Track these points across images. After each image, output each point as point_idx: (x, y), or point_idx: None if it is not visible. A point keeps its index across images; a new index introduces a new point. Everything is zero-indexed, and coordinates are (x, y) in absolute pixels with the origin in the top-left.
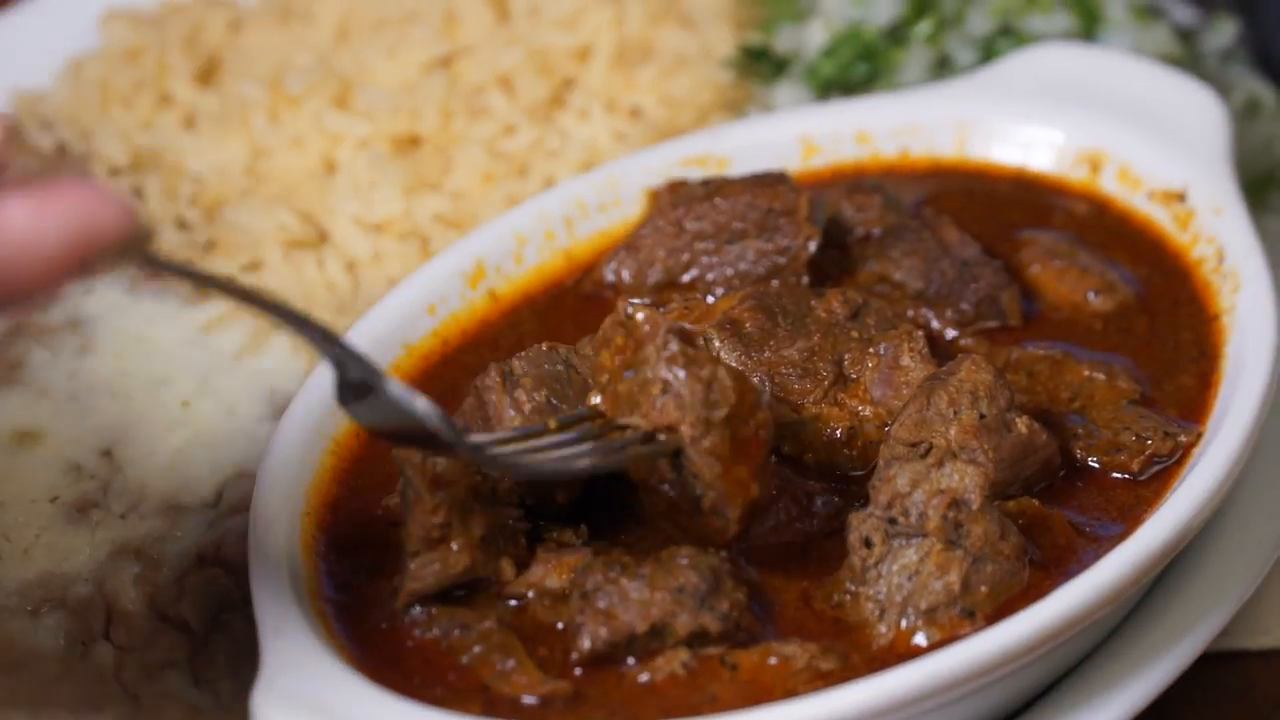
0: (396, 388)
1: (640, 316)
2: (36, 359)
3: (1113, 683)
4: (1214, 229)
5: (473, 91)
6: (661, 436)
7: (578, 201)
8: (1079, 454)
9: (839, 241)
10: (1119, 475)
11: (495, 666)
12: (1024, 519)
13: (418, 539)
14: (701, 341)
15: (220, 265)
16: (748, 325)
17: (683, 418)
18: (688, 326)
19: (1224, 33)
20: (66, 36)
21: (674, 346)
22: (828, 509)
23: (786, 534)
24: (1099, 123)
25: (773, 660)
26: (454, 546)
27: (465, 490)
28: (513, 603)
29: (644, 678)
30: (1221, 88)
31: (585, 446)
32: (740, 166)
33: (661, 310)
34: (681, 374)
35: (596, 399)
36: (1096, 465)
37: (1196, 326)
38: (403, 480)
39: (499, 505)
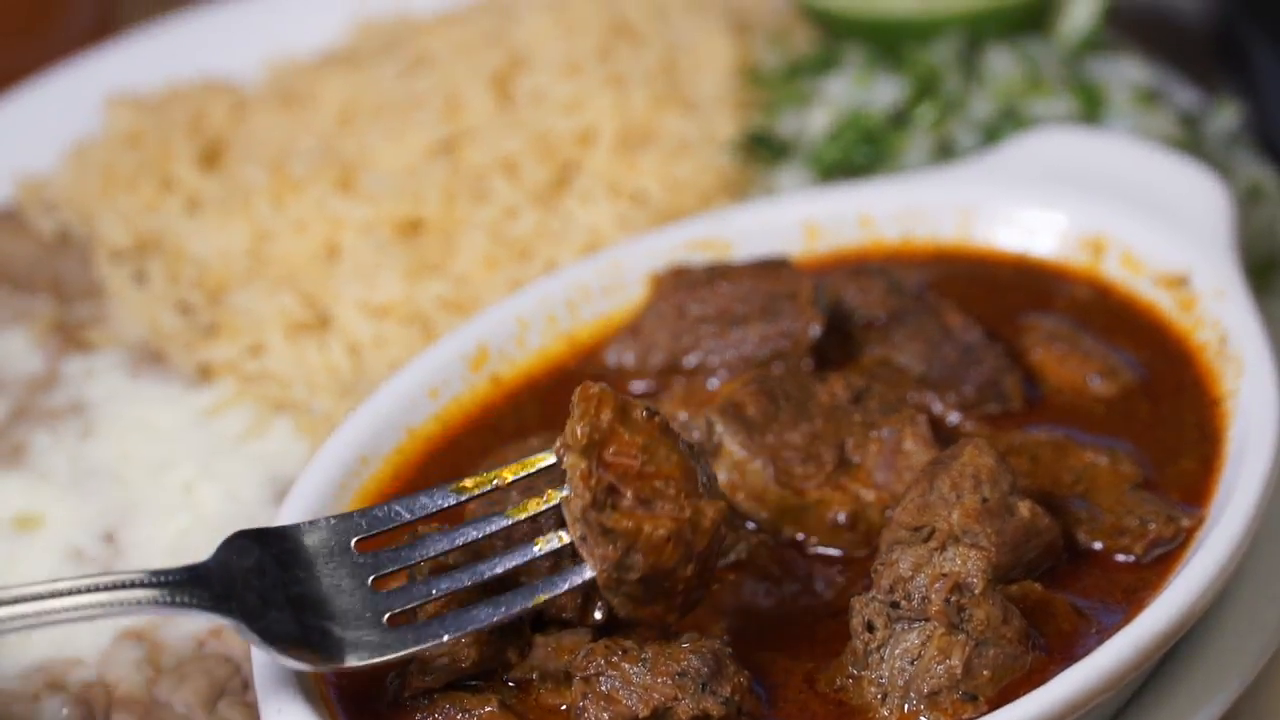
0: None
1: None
2: (39, 443)
3: None
4: (1217, 313)
5: (475, 175)
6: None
7: (580, 285)
8: (1082, 538)
9: (842, 326)
10: (1122, 559)
11: None
12: (1027, 603)
13: None
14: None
15: (222, 349)
16: (750, 409)
17: (596, 567)
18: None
19: (1227, 117)
20: (69, 120)
21: (590, 513)
22: (832, 588)
23: (791, 613)
24: (1101, 207)
25: None
26: (463, 642)
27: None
28: (514, 685)
29: None
30: (1224, 171)
31: (487, 605)
32: (743, 250)
33: (663, 394)
34: (590, 538)
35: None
36: (1099, 549)
37: (1199, 410)
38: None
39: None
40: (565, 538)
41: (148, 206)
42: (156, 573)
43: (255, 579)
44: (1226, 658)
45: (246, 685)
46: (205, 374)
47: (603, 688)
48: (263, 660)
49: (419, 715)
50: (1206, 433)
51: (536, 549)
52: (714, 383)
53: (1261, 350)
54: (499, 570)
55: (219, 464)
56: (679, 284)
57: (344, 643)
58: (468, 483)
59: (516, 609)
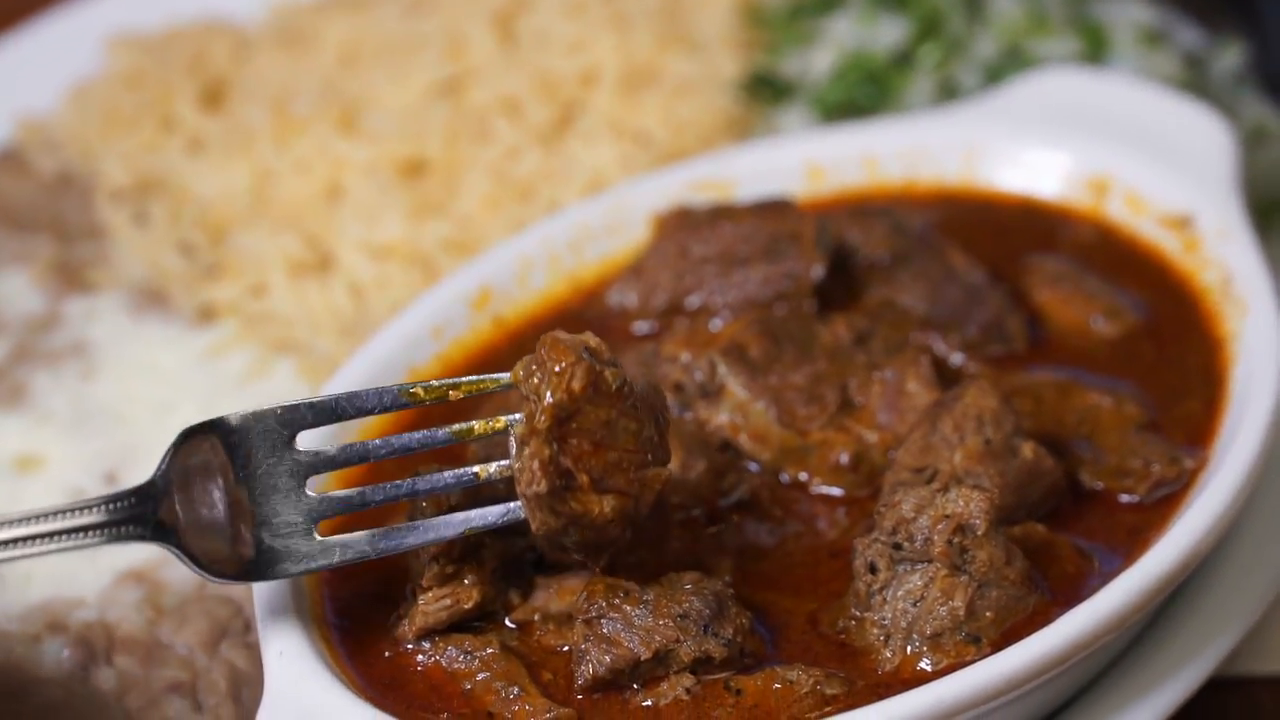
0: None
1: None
2: (40, 383)
3: (1119, 708)
4: (1221, 254)
5: (478, 116)
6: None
7: (583, 226)
8: (1085, 479)
9: (845, 266)
10: (1126, 500)
11: (499, 693)
12: (1029, 544)
13: (429, 574)
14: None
15: (224, 289)
16: (753, 350)
17: (532, 517)
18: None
19: (1231, 57)
20: (70, 60)
21: (543, 496)
22: (834, 529)
23: (793, 555)
24: (1105, 148)
25: (777, 685)
26: (466, 582)
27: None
28: (515, 627)
29: (648, 703)
30: (1229, 112)
31: (417, 529)
32: (746, 191)
33: (665, 335)
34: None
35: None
36: (1103, 490)
37: (1203, 352)
38: (414, 509)
39: (511, 535)
40: (509, 472)
41: (149, 147)
42: (109, 499)
43: (199, 480)
44: (1230, 598)
45: (248, 626)
46: (207, 314)
47: (604, 630)
48: (264, 601)
49: (420, 656)
50: (1210, 374)
51: (478, 475)
52: (717, 323)
53: (1265, 291)
54: (437, 488)
55: (221, 405)
56: (682, 224)
57: (274, 553)
58: (419, 390)
59: (447, 535)
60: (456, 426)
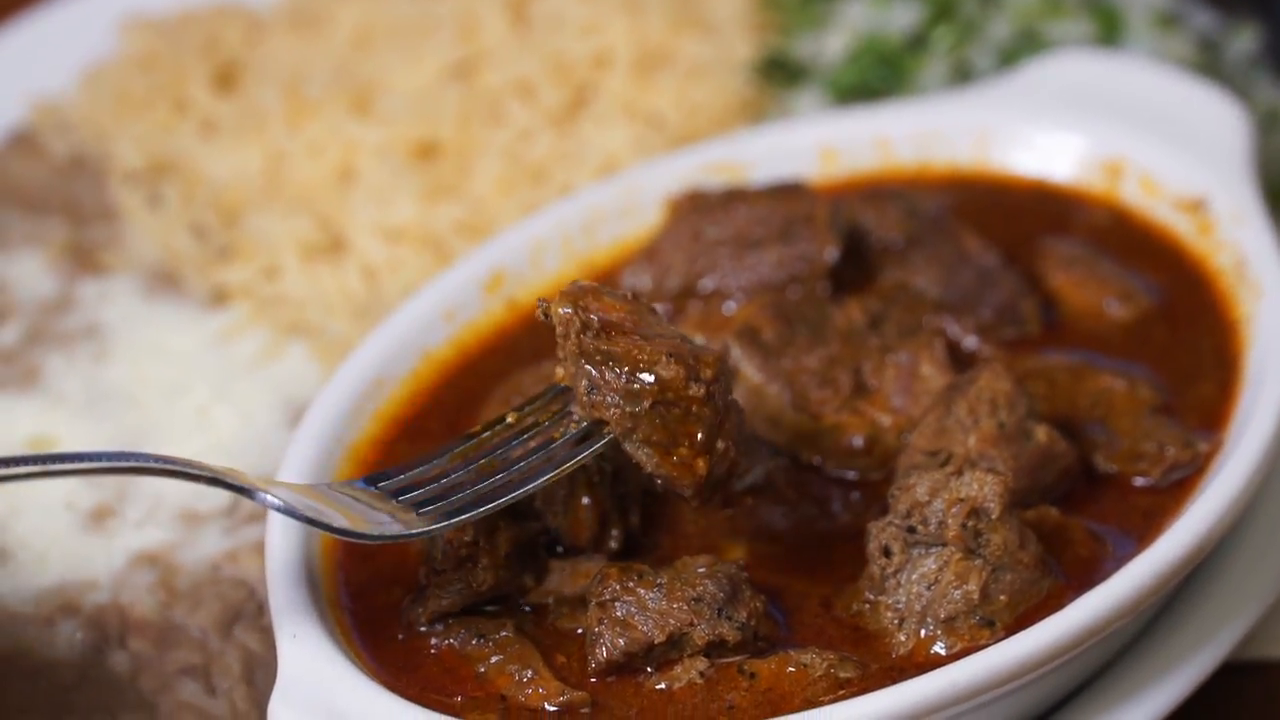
0: (275, 498)
1: (551, 316)
2: (53, 366)
3: (1133, 692)
4: (1235, 237)
5: (491, 98)
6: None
7: (596, 208)
8: (1099, 462)
9: (858, 249)
10: (1140, 483)
11: (513, 676)
12: (1043, 528)
13: (443, 556)
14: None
15: (237, 272)
16: (766, 333)
17: (608, 413)
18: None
19: (1246, 40)
20: (83, 42)
21: (587, 341)
22: (848, 512)
23: (807, 538)
24: (1119, 130)
25: (791, 669)
26: (480, 565)
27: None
28: (529, 610)
29: (661, 686)
30: (1243, 95)
31: (499, 478)
32: (759, 173)
33: (679, 318)
34: (594, 371)
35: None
36: (1116, 473)
37: (1217, 335)
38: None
39: (525, 519)
40: (578, 420)
41: (162, 129)
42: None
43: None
44: (1245, 582)
45: (261, 609)
46: (220, 297)
47: (618, 613)
48: (278, 584)
49: (434, 639)
50: (1224, 357)
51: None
52: (730, 306)
53: (1279, 274)
54: (515, 453)
55: (233, 387)
56: (695, 207)
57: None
58: (478, 429)
59: (540, 481)
60: (517, 417)
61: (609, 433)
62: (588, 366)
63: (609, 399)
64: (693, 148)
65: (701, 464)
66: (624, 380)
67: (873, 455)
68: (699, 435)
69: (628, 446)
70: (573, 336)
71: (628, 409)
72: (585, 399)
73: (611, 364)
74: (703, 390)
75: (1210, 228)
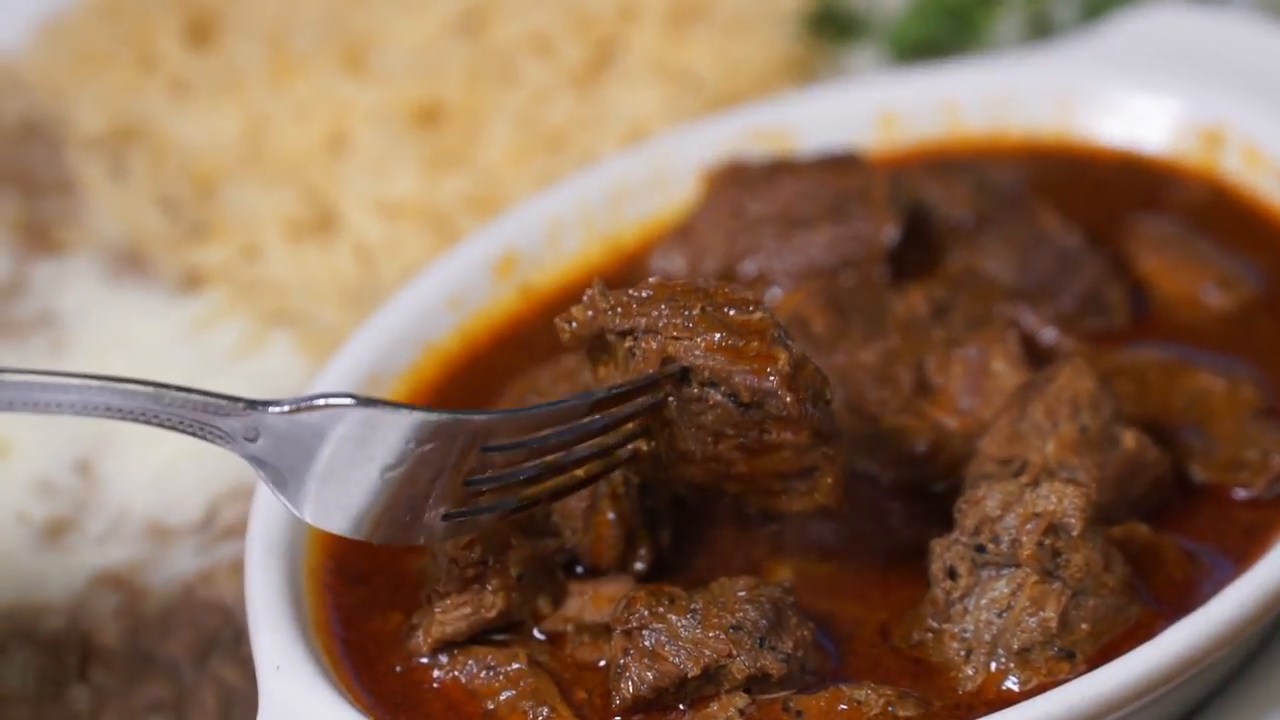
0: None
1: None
2: (3, 359)
3: None
4: None
5: (502, 54)
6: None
7: (622, 181)
8: (1195, 472)
9: (922, 229)
10: (1241, 495)
11: (527, 714)
12: (1131, 546)
13: (447, 577)
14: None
15: (213, 252)
16: (816, 325)
17: (665, 342)
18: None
19: None
20: None
21: (617, 300)
22: (909, 528)
23: (862, 557)
24: (1219, 94)
25: (843, 706)
26: (489, 588)
27: (504, 521)
28: (545, 639)
29: None
30: None
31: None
32: (809, 141)
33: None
34: (642, 320)
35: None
36: (1214, 485)
37: None
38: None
39: (540, 535)
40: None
41: (127, 88)
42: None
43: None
44: None
45: (240, 637)
46: (192, 281)
47: (646, 643)
48: (259, 608)
49: (437, 671)
50: None
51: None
52: (775, 293)
53: None
54: (592, 429)
55: (208, 384)
56: (735, 180)
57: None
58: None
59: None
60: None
61: (672, 369)
62: (631, 321)
63: (661, 323)
64: (732, 112)
65: (781, 354)
66: (669, 306)
67: (937, 463)
68: (769, 331)
69: (693, 358)
70: (601, 301)
71: (680, 321)
72: (638, 356)
73: (645, 306)
74: (754, 300)
75: None
